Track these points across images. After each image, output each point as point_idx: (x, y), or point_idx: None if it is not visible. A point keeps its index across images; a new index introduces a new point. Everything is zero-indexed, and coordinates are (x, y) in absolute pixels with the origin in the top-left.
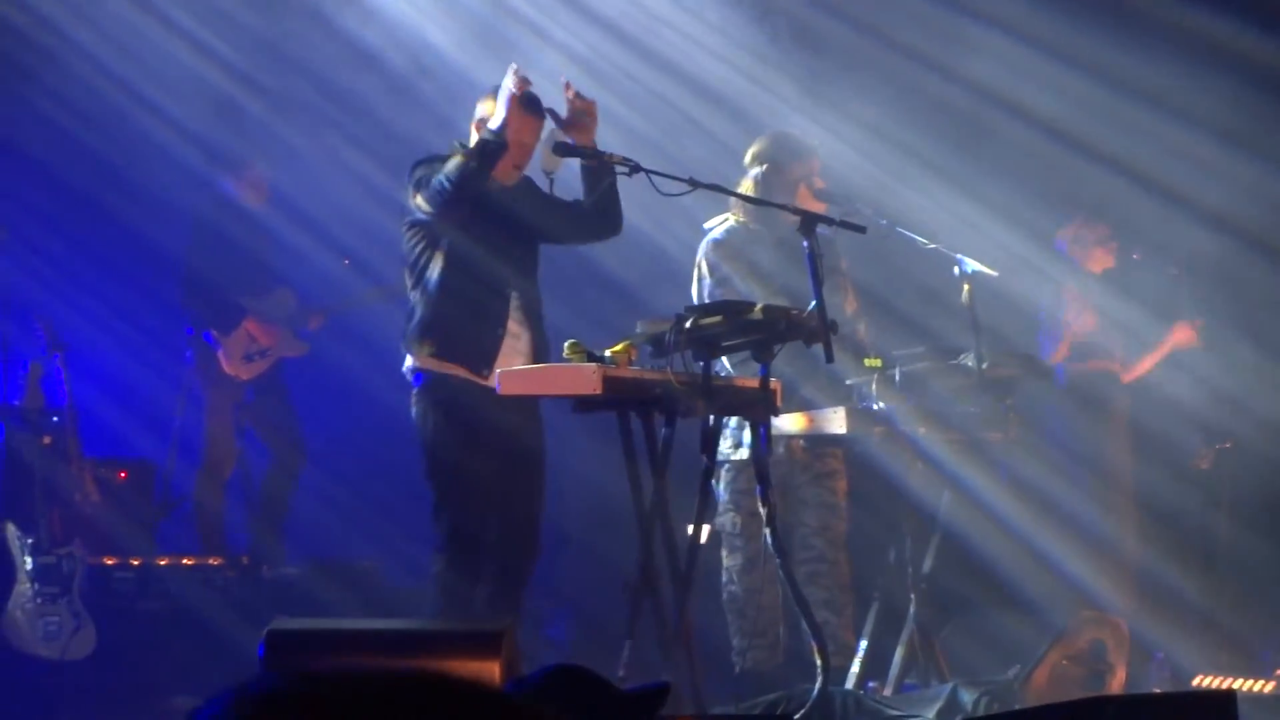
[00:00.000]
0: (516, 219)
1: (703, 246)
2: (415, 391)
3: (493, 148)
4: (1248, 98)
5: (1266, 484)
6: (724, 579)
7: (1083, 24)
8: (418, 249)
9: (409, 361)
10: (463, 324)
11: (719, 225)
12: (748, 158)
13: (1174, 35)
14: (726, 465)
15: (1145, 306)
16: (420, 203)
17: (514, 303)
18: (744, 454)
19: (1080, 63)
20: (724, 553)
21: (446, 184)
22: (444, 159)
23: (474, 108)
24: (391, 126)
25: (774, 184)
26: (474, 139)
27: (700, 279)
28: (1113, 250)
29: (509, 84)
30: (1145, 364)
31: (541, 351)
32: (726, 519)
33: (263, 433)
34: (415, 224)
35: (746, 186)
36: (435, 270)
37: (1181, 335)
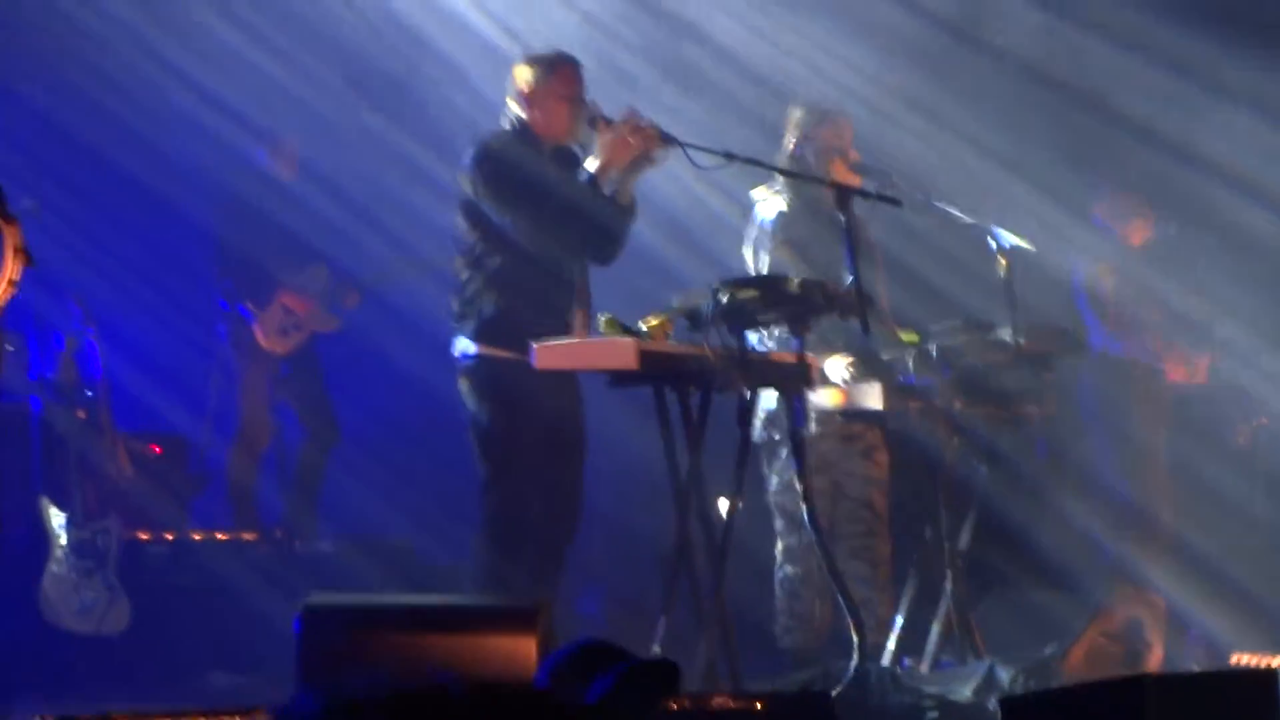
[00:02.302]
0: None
1: (761, 217)
2: (464, 371)
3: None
4: None
5: None
6: (779, 559)
7: None
8: (476, 232)
9: (463, 345)
10: (529, 313)
11: (775, 197)
12: (785, 130)
13: (1212, 5)
14: (781, 442)
15: (1183, 281)
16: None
17: (577, 287)
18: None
19: (1117, 34)
20: (780, 533)
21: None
22: (504, 146)
23: (509, 81)
24: (426, 100)
25: (806, 154)
26: (513, 110)
27: (756, 248)
28: (1150, 221)
29: (624, 132)
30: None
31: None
32: (787, 498)
33: (297, 407)
34: (473, 208)
35: (781, 160)
36: (499, 256)
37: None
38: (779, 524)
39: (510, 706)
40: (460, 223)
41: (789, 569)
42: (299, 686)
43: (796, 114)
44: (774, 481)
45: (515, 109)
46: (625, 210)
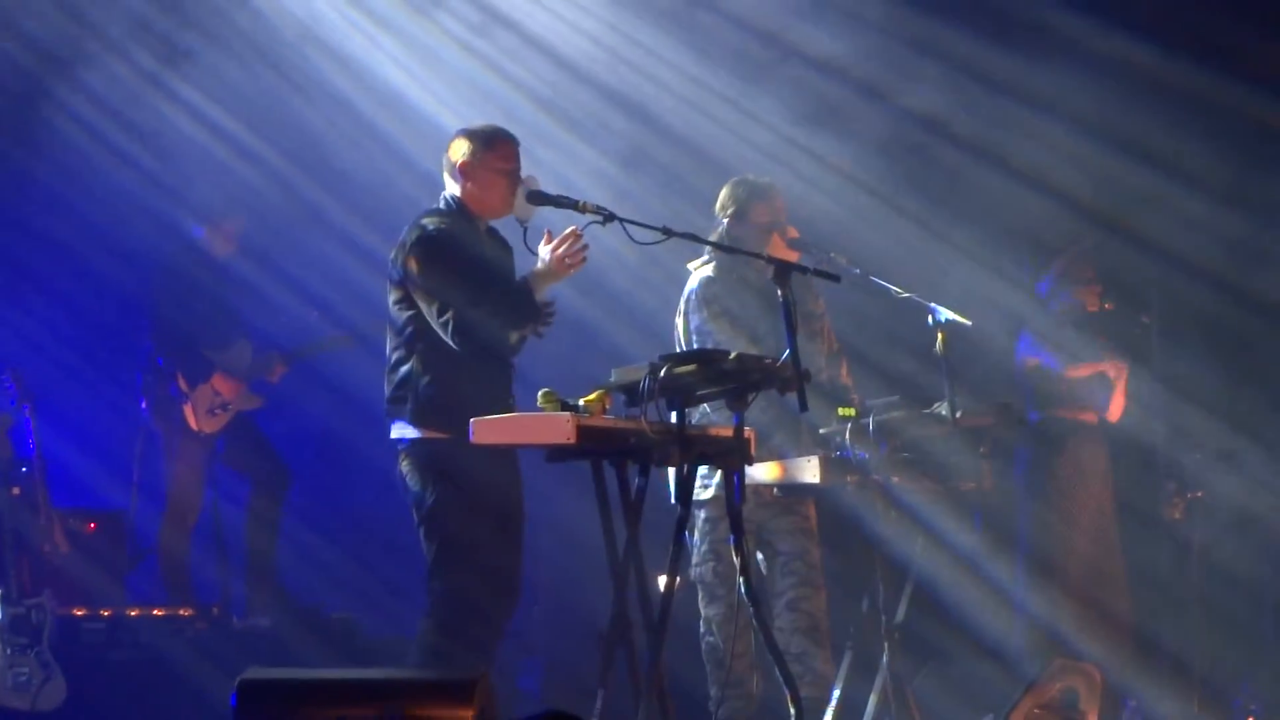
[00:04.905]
0: (506, 273)
1: (689, 286)
2: (405, 453)
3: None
4: (1229, 149)
5: (1237, 532)
6: (702, 629)
7: (1059, 74)
8: (410, 311)
9: (401, 428)
10: (468, 393)
11: (704, 267)
12: (716, 207)
13: (1157, 87)
14: (703, 512)
15: (1117, 354)
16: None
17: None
18: (710, 493)
19: (1057, 110)
20: (702, 603)
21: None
22: (440, 227)
23: (445, 155)
24: (353, 169)
25: (741, 229)
26: (448, 185)
27: (686, 315)
28: (1096, 293)
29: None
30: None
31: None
32: (706, 569)
33: (243, 469)
34: (406, 286)
35: (717, 236)
36: (435, 336)
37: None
38: (701, 596)
39: None
40: (394, 303)
41: (710, 638)
42: None
43: (730, 189)
44: (695, 554)
45: (450, 184)
46: (548, 317)
